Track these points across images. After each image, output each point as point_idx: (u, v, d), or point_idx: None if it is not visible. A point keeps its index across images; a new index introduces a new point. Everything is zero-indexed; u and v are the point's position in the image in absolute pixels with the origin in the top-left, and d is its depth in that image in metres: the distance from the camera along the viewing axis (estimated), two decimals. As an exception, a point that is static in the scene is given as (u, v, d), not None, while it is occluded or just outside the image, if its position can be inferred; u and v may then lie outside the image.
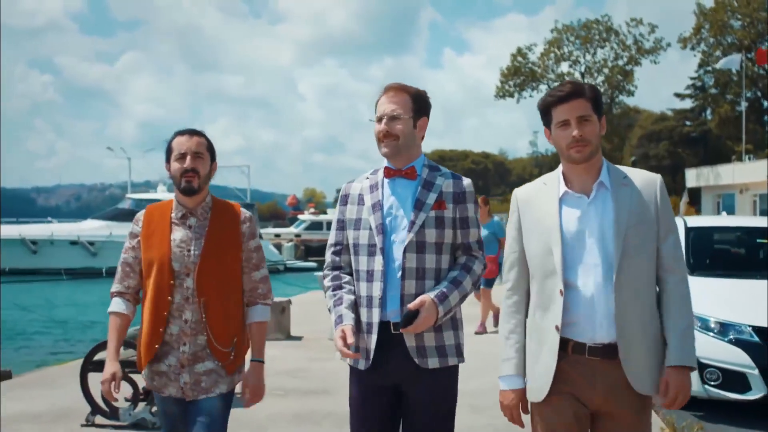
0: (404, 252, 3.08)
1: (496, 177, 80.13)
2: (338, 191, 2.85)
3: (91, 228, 36.64)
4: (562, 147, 2.87)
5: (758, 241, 7.84)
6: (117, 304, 3.43)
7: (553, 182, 2.95)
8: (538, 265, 2.90)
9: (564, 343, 2.80)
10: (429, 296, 3.05)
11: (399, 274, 3.08)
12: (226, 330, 3.35)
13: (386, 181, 3.22)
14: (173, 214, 3.42)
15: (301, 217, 54.74)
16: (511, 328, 2.97)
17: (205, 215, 3.42)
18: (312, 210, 54.36)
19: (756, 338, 6.20)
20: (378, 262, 3.10)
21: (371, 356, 3.09)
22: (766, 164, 35.02)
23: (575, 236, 2.82)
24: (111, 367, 3.31)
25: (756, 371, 6.08)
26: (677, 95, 57.86)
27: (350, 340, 3.03)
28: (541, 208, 2.91)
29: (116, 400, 3.37)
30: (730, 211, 37.84)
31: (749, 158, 41.18)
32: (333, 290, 3.23)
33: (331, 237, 3.32)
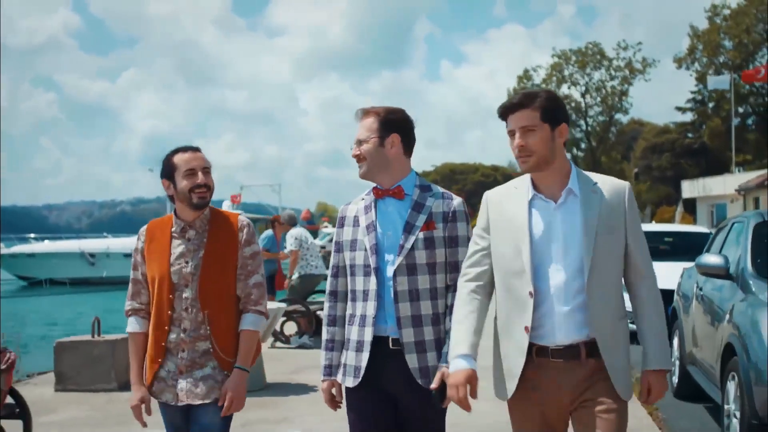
0: (395, 275, 3.11)
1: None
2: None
3: (142, 242, 40.77)
4: (513, 155, 2.92)
5: (665, 239, 12.27)
6: (132, 325, 3.49)
7: (523, 186, 2.96)
8: (505, 264, 2.91)
9: (528, 347, 2.83)
10: (442, 366, 3.07)
11: (392, 296, 3.12)
12: (230, 339, 3.40)
13: (378, 201, 3.25)
14: (173, 229, 3.47)
15: (324, 230, 58.62)
16: (466, 313, 2.94)
17: (203, 227, 3.44)
18: (325, 224, 57.87)
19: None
20: (373, 282, 3.15)
21: (361, 373, 3.14)
22: (753, 176, 37.47)
23: (542, 240, 2.85)
24: (138, 392, 3.43)
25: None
26: (678, 109, 59.34)
27: (338, 398, 3.25)
28: (511, 210, 2.93)
29: (146, 425, 3.48)
30: (723, 219, 40.96)
31: (738, 170, 44.43)
32: (328, 324, 3.30)
33: (332, 260, 3.36)
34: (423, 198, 3.22)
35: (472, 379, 2.83)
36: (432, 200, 3.22)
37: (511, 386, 2.89)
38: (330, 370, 3.27)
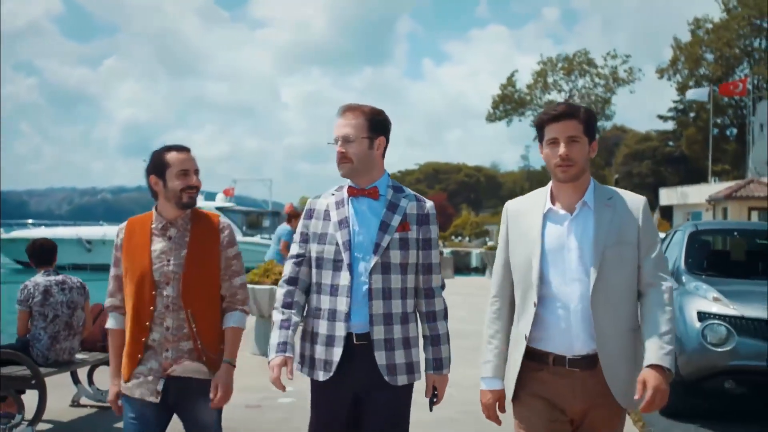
0: (371, 273, 3.11)
1: (488, 190, 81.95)
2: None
3: (137, 230, 42.01)
4: (551, 165, 2.95)
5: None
6: (112, 322, 3.52)
7: (540, 198, 3.04)
8: (521, 276, 2.99)
9: (545, 355, 2.92)
10: (430, 374, 3.23)
11: (366, 294, 3.12)
12: (214, 337, 3.44)
13: (351, 199, 3.22)
14: (153, 225, 3.46)
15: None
16: (492, 333, 3.07)
17: (185, 226, 3.46)
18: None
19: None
20: (344, 277, 3.13)
21: (333, 368, 3.13)
22: (723, 187, 38.43)
23: (555, 251, 2.92)
24: (114, 387, 3.47)
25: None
26: (660, 117, 60.58)
27: (290, 376, 3.11)
28: (527, 222, 3.00)
29: (121, 412, 3.46)
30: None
31: (715, 180, 45.74)
32: (283, 306, 3.23)
33: (293, 249, 3.31)
34: (397, 199, 3.24)
35: (501, 399, 3.09)
36: (406, 201, 3.24)
37: (511, 388, 3.04)
38: (285, 347, 3.16)
